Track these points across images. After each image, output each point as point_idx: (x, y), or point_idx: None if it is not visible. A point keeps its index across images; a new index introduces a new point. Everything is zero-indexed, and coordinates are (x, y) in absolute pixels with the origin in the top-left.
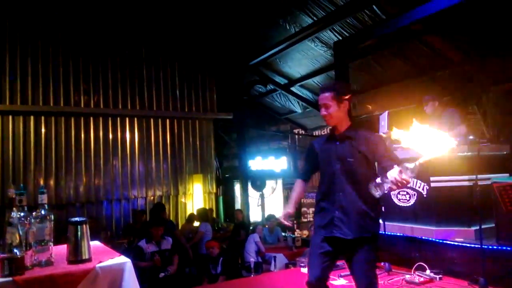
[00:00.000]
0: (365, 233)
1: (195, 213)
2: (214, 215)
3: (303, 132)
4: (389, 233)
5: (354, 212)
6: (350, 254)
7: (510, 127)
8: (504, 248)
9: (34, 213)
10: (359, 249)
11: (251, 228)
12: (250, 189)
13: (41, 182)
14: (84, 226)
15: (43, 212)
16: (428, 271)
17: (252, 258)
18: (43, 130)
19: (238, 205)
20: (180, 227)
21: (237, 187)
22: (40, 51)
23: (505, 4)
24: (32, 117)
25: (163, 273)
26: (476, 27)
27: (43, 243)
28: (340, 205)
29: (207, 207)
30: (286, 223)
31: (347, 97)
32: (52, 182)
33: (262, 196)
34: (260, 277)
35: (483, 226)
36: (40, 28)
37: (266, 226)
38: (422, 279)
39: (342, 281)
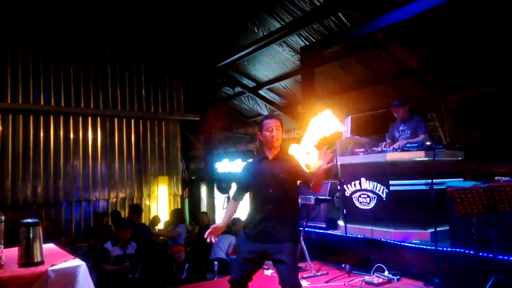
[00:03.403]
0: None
1: (165, 215)
2: None
3: None
4: (350, 235)
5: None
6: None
7: (465, 134)
8: (458, 250)
9: None
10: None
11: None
12: (216, 192)
13: None
14: (36, 227)
15: None
16: (386, 272)
17: (220, 255)
18: None
19: (204, 207)
20: None
21: (203, 190)
22: None
23: (462, 16)
24: None
25: (130, 275)
26: (435, 37)
27: None
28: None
29: (171, 209)
30: (209, 239)
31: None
32: (8, 182)
33: (228, 199)
34: (222, 280)
35: (438, 229)
36: None
37: (232, 229)
38: (380, 280)
39: (303, 283)
